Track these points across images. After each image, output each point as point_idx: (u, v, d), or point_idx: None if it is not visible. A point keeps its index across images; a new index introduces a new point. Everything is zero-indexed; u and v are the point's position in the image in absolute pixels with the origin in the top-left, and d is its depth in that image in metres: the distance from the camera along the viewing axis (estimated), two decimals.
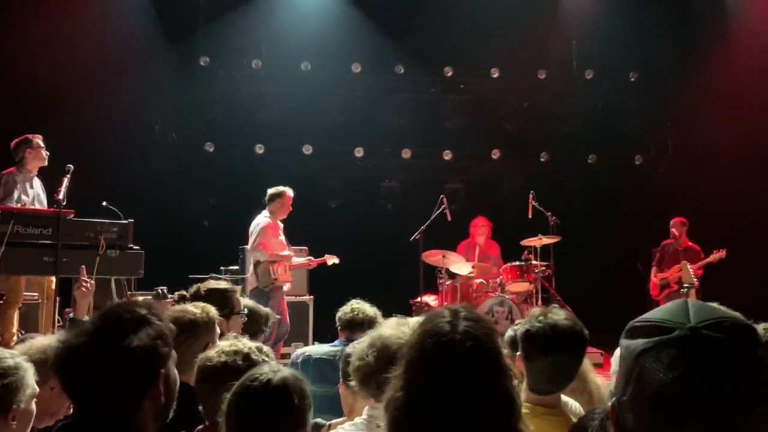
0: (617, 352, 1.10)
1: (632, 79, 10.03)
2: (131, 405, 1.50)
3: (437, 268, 7.82)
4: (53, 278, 5.42)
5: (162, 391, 1.58)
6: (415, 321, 2.35)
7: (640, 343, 0.95)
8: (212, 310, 2.85)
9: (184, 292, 3.50)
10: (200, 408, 2.14)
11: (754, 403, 0.91)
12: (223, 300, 3.28)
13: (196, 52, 9.44)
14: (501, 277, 7.71)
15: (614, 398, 1.00)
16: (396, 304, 8.32)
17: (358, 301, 3.88)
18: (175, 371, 1.73)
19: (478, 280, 7.76)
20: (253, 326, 3.42)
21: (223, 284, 3.51)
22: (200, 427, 2.11)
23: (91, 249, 5.14)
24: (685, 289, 6.95)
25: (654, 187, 9.94)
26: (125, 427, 1.49)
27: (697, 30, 9.53)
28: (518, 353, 2.24)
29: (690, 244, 7.80)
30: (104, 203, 5.70)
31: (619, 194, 10.00)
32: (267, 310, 3.74)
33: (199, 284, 3.51)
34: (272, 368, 1.92)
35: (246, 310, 3.39)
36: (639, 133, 10.16)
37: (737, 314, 0.98)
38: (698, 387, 0.90)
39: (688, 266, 7.01)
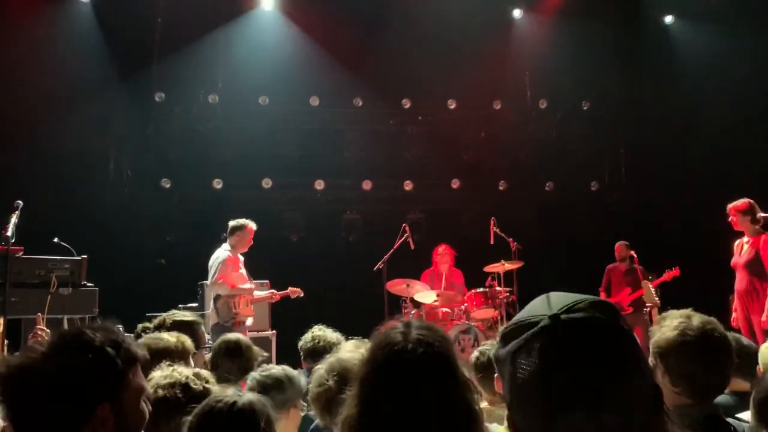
0: None
1: (584, 108, 10.30)
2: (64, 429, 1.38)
3: (401, 297, 7.77)
4: (0, 320, 5.17)
5: (108, 421, 1.48)
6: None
7: (511, 345, 0.96)
8: (188, 341, 2.76)
9: (148, 324, 3.38)
10: None
11: (627, 375, 0.92)
12: (189, 333, 3.17)
13: (150, 88, 9.32)
14: (466, 304, 7.69)
15: (508, 410, 0.99)
16: (361, 335, 8.24)
17: (320, 327, 3.80)
18: (143, 404, 1.63)
19: (444, 309, 7.72)
20: (243, 365, 3.31)
21: (189, 316, 3.39)
22: None
23: (42, 287, 4.94)
24: (648, 308, 7.06)
25: (609, 212, 10.17)
26: None
27: (646, 60, 9.90)
28: (495, 375, 2.19)
29: (636, 266, 7.97)
30: (56, 239, 5.50)
31: (576, 220, 10.17)
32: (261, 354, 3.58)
33: (164, 315, 3.40)
34: (237, 392, 1.84)
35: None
36: (593, 160, 10.41)
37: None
38: (571, 371, 0.90)
39: (650, 286, 7.14)
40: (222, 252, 6.35)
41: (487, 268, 7.82)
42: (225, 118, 9.52)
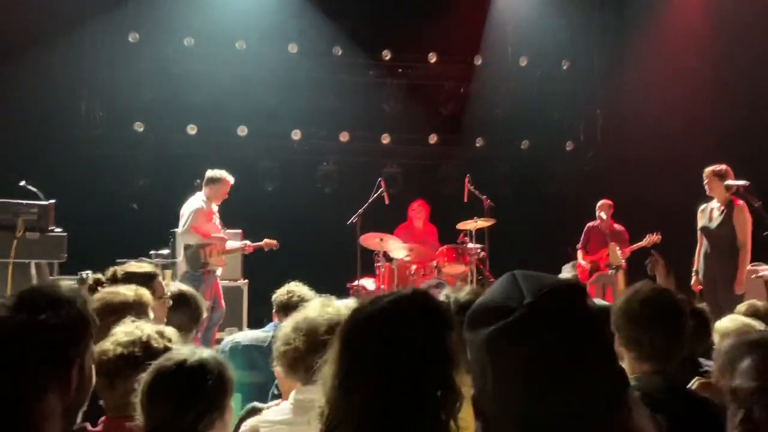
0: None
1: (564, 67, 10.26)
2: (33, 389, 1.26)
3: (374, 251, 7.82)
4: None
5: (73, 381, 1.46)
6: (340, 302, 2.31)
7: (485, 332, 0.95)
8: (146, 294, 2.72)
9: (100, 276, 3.30)
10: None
11: (602, 360, 0.94)
12: (143, 284, 3.12)
13: (124, 27, 9.02)
14: (437, 259, 7.78)
15: (473, 392, 0.99)
16: (333, 288, 8.30)
17: (296, 283, 3.80)
18: (92, 367, 1.62)
19: (416, 263, 7.80)
20: (193, 315, 3.30)
21: (145, 267, 3.33)
22: (102, 418, 1.97)
23: (8, 231, 4.86)
24: (613, 271, 7.19)
25: (583, 172, 10.26)
26: (17, 416, 1.21)
27: (626, 20, 9.83)
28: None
29: (616, 226, 8.07)
30: (22, 183, 5.39)
31: (551, 179, 10.26)
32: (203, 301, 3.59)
33: (116, 267, 3.32)
34: (193, 350, 1.84)
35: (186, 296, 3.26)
36: (570, 119, 10.43)
37: (562, 277, 1.00)
38: (549, 360, 0.91)
39: (616, 248, 7.25)
40: (195, 201, 6.29)
41: (460, 225, 7.88)
42: (201, 62, 9.28)
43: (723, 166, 6.15)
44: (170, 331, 2.17)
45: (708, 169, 6.20)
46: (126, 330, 2.06)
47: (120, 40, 9.02)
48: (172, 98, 9.15)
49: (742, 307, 3.46)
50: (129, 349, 1.97)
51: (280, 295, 3.71)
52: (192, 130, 9.23)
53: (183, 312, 3.23)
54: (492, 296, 0.99)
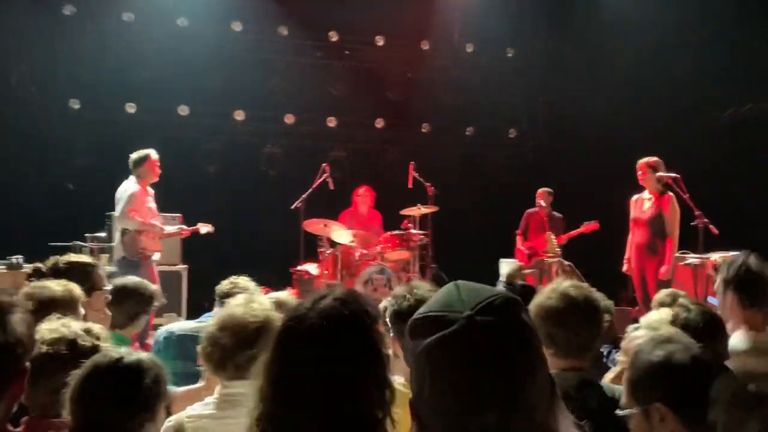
0: None
1: (509, 55, 10.38)
2: None
3: (318, 236, 7.80)
4: None
5: (22, 388, 1.45)
6: (263, 298, 2.31)
7: (424, 342, 0.97)
8: (76, 289, 2.66)
9: (40, 265, 3.26)
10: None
11: (534, 375, 0.97)
12: (84, 275, 3.07)
13: None
14: (381, 245, 7.82)
15: (411, 397, 1.02)
16: (276, 273, 8.27)
17: (242, 277, 3.77)
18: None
19: (360, 249, 7.82)
20: (137, 308, 3.25)
21: (84, 258, 3.28)
22: (25, 418, 1.93)
23: None
24: (549, 259, 7.39)
25: (526, 159, 10.47)
26: None
27: (570, 10, 10.01)
28: (391, 335, 2.26)
29: (554, 214, 8.30)
30: None
31: (494, 166, 10.42)
32: (154, 289, 3.52)
33: (57, 257, 3.28)
34: (130, 350, 1.82)
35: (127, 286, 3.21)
36: (514, 107, 10.59)
37: (499, 288, 1.03)
38: (485, 374, 0.94)
39: (552, 237, 7.44)
40: (130, 184, 6.13)
41: (404, 212, 7.94)
42: (140, 38, 8.95)
43: (655, 158, 6.39)
44: (98, 328, 2.13)
45: (641, 161, 6.43)
46: (51, 327, 2.00)
47: (54, 12, 8.63)
48: (110, 75, 8.82)
49: (665, 297, 3.59)
50: (55, 348, 1.92)
51: (223, 285, 3.69)
52: (131, 108, 8.94)
53: (129, 305, 3.19)
54: (433, 306, 1.01)
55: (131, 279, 3.47)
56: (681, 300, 2.91)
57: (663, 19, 8.78)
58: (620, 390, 2.19)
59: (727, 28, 8.34)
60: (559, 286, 2.27)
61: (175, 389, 2.41)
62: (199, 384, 2.63)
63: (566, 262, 3.14)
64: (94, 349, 1.94)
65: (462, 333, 0.95)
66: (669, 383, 1.73)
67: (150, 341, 5.98)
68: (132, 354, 1.79)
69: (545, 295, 2.24)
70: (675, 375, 1.73)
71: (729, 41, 8.34)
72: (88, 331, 2.02)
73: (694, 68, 8.45)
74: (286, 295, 3.18)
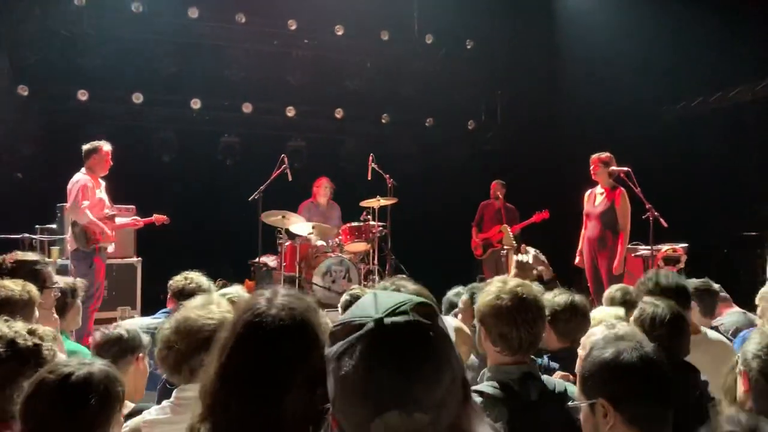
0: None
1: (468, 47, 10.44)
2: None
3: (276, 228, 7.74)
4: None
5: None
6: (222, 299, 2.30)
7: (337, 347, 1.00)
8: (33, 289, 2.61)
9: None
10: None
11: (439, 376, 0.99)
12: (32, 273, 3.01)
13: None
14: (340, 237, 7.82)
15: (329, 404, 1.04)
16: (234, 265, 8.20)
17: (196, 273, 3.73)
18: None
19: (318, 241, 7.80)
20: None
21: (31, 255, 3.20)
22: None
23: None
24: (505, 251, 7.51)
25: (484, 151, 10.58)
26: None
27: (528, 3, 10.12)
28: None
29: (508, 205, 8.46)
30: None
31: (453, 157, 10.50)
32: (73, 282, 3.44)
33: (4, 255, 3.20)
34: (83, 361, 1.78)
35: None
36: (472, 99, 10.66)
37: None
38: (388, 375, 0.96)
39: (508, 229, 7.56)
40: (80, 176, 5.98)
41: (363, 203, 7.94)
42: (93, 24, 8.68)
43: (607, 154, 6.56)
44: (44, 330, 2.08)
45: (594, 156, 6.59)
46: None
47: None
48: (61, 62, 8.56)
49: (617, 293, 3.70)
50: None
51: (176, 281, 3.65)
52: (83, 96, 8.68)
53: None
54: (351, 312, 1.04)
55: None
56: (645, 298, 3.00)
57: (617, 18, 8.97)
58: (560, 383, 2.27)
59: (677, 26, 8.57)
60: (506, 285, 2.31)
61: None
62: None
63: (533, 250, 3.16)
64: (36, 350, 1.91)
65: (368, 336, 0.97)
66: (614, 380, 1.78)
67: (91, 339, 5.89)
68: (83, 367, 1.74)
69: (495, 294, 2.27)
70: (620, 373, 1.78)
71: (679, 39, 8.58)
72: (31, 332, 1.98)
73: (645, 64, 8.68)
74: (238, 291, 3.14)
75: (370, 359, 0.97)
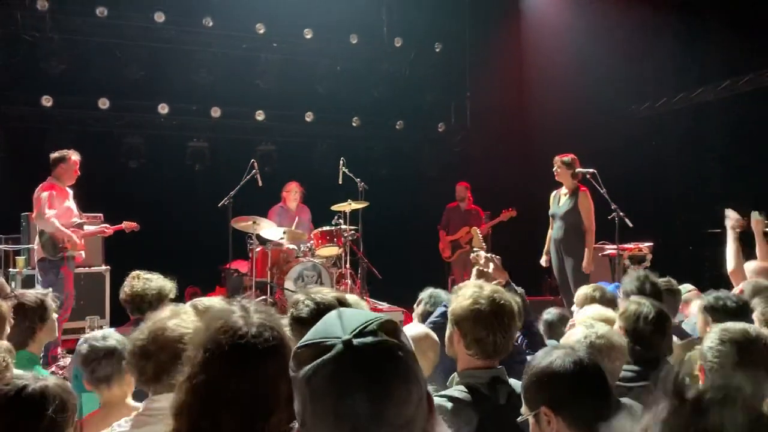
0: None
1: (437, 50, 10.52)
2: None
3: (247, 233, 7.70)
4: None
5: None
6: (190, 309, 2.29)
7: (306, 370, 1.01)
8: (4, 305, 2.58)
9: None
10: None
11: (408, 394, 1.01)
12: None
13: None
14: (311, 242, 7.80)
15: (296, 425, 1.05)
16: (204, 271, 8.14)
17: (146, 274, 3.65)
18: None
19: (289, 246, 7.78)
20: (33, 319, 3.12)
21: None
22: None
23: None
24: (475, 252, 7.57)
25: (453, 154, 10.67)
26: None
27: (497, 8, 10.24)
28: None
29: (473, 206, 8.57)
30: None
31: (423, 160, 10.57)
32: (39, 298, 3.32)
33: None
34: (38, 377, 1.78)
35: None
36: (442, 102, 10.75)
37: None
38: (361, 398, 0.97)
39: (478, 231, 7.63)
40: (46, 184, 5.88)
41: (334, 207, 7.94)
42: (57, 28, 8.55)
43: (570, 155, 6.66)
44: (6, 345, 2.07)
45: (557, 158, 6.69)
46: None
47: None
48: (24, 67, 8.40)
49: (595, 292, 3.78)
50: None
51: (134, 287, 3.57)
52: (47, 101, 8.53)
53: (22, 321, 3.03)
54: (314, 334, 1.04)
55: (29, 295, 3.25)
56: (633, 297, 3.07)
57: (583, 20, 9.12)
58: None
59: (642, 28, 8.75)
60: (482, 290, 2.35)
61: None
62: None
63: (489, 256, 3.20)
64: None
65: (339, 358, 0.98)
66: (550, 387, 1.84)
67: (60, 350, 5.80)
68: (38, 381, 1.75)
69: (472, 299, 2.31)
70: (554, 379, 1.84)
71: (644, 40, 8.76)
72: None
73: (610, 66, 8.84)
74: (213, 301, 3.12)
75: (342, 383, 0.97)
